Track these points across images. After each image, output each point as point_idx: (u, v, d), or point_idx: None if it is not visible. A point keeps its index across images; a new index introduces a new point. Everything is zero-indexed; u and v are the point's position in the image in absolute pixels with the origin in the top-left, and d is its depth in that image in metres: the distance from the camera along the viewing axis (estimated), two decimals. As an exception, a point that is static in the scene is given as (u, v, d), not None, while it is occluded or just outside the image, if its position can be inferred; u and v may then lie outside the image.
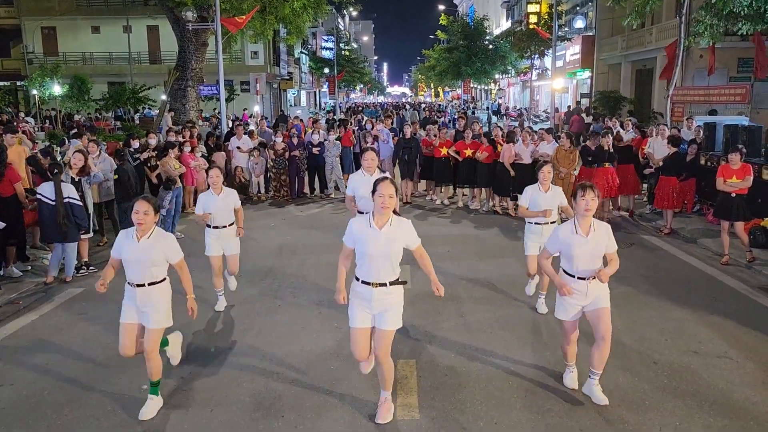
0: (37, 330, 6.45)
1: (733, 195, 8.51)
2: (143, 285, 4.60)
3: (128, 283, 4.66)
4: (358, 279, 4.42)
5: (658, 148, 11.16)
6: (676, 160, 10.51)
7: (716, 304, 7.02)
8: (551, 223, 6.39)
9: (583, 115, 28.31)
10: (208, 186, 6.71)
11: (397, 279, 4.41)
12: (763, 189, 9.65)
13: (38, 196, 7.90)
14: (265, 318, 6.71)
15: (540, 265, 4.93)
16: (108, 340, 6.02)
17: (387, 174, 5.99)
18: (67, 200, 7.80)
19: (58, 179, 7.81)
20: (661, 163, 10.74)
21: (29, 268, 8.46)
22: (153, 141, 11.82)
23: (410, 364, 5.49)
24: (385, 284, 4.34)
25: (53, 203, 7.72)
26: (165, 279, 4.73)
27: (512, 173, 11.64)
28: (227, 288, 7.04)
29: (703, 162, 11.32)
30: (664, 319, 6.58)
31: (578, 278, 4.65)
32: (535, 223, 6.52)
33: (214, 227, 6.64)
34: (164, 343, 5.10)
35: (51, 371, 5.45)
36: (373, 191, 4.31)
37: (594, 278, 4.61)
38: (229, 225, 6.71)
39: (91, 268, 8.31)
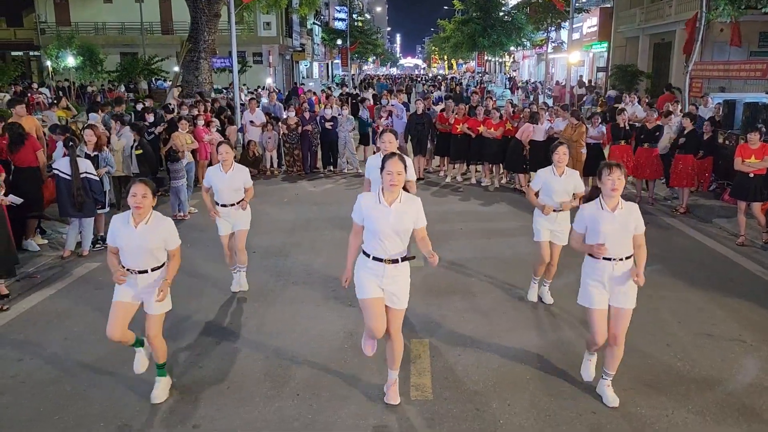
0: (55, 304, 6.55)
1: (752, 175, 8.41)
2: (146, 271, 4.42)
3: (126, 269, 4.42)
4: (368, 255, 4.29)
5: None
6: (693, 138, 10.36)
7: (731, 286, 6.99)
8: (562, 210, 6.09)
9: (575, 86, 28.05)
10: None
11: (407, 255, 4.34)
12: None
13: (55, 171, 7.96)
14: (278, 296, 6.76)
15: (573, 248, 4.77)
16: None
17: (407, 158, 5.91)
18: (84, 175, 7.85)
19: (74, 152, 7.84)
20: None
21: (46, 241, 8.57)
22: (150, 118, 11.88)
23: (424, 343, 5.52)
24: (397, 260, 4.26)
25: (70, 178, 7.78)
26: (165, 263, 4.55)
27: (526, 151, 11.54)
28: (239, 282, 6.86)
29: (721, 140, 11.16)
30: (678, 301, 6.56)
31: (603, 258, 4.45)
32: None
33: (221, 205, 6.49)
34: (163, 373, 4.73)
35: (70, 345, 5.54)
36: (381, 168, 4.19)
37: (621, 260, 4.45)
38: (238, 203, 6.49)
39: (107, 242, 8.38)
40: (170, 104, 14.29)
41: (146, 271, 4.43)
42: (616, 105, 17.09)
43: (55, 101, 13.31)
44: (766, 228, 8.54)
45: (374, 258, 4.27)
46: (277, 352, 5.40)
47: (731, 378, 4.95)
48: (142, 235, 4.34)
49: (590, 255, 4.53)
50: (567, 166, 6.05)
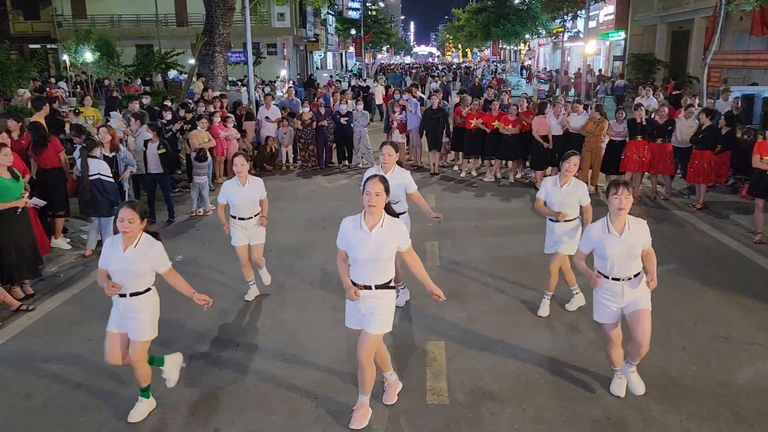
0: (78, 304, 6.70)
1: (770, 173, 8.35)
2: (124, 296, 4.34)
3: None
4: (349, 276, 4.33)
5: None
6: (710, 133, 10.27)
7: (747, 286, 6.96)
8: (565, 221, 5.95)
9: (588, 76, 27.75)
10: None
11: (387, 283, 4.24)
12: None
13: (75, 171, 8.11)
14: (294, 298, 6.84)
15: (575, 267, 4.79)
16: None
17: (406, 170, 5.90)
18: (97, 176, 7.97)
19: (84, 154, 7.96)
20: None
21: (68, 240, 8.73)
22: (169, 116, 11.98)
23: (439, 345, 5.58)
24: (370, 287, 4.20)
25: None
26: (149, 290, 4.43)
27: (550, 145, 11.46)
28: (261, 281, 6.89)
29: (738, 135, 11.05)
30: (693, 302, 6.56)
31: (613, 279, 4.49)
32: (549, 219, 6.09)
33: (239, 218, 6.44)
34: (159, 362, 4.77)
35: (93, 347, 5.63)
36: (362, 190, 4.16)
37: (629, 279, 4.48)
38: (255, 215, 6.49)
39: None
40: (189, 102, 14.39)
41: (125, 296, 4.35)
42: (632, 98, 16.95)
43: (81, 107, 13.38)
44: (784, 226, 8.49)
45: (353, 282, 4.28)
46: (294, 355, 5.49)
47: (747, 383, 4.96)
48: (130, 258, 4.28)
49: (599, 271, 4.59)
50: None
